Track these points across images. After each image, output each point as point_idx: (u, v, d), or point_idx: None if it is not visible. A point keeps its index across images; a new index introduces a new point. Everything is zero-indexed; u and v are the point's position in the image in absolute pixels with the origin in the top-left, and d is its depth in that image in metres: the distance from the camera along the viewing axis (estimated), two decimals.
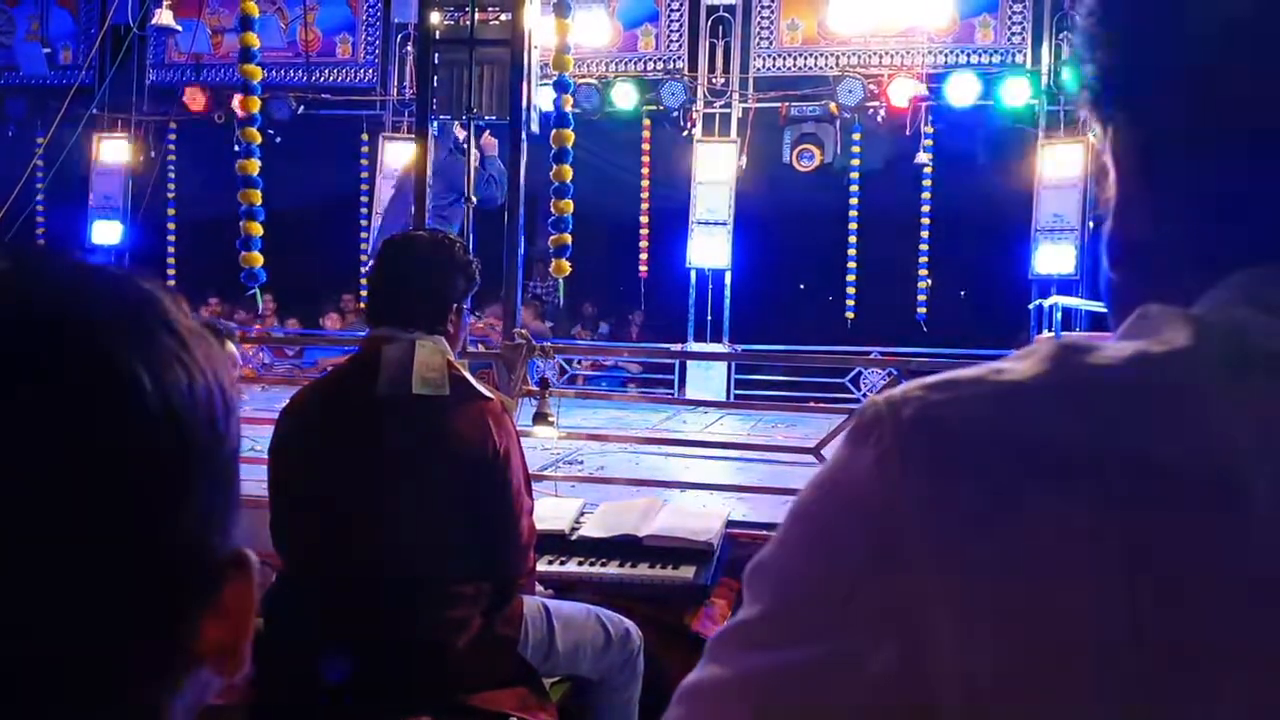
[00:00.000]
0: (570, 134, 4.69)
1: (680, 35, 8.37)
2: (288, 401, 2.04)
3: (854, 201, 8.58)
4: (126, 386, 0.38)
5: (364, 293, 8.08)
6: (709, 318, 8.26)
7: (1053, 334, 6.78)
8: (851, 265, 8.63)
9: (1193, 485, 0.41)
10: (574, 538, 2.73)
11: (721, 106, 8.32)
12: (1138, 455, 0.42)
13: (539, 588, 2.29)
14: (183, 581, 0.41)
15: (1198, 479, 0.41)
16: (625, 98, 8.20)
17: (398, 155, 8.25)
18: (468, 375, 2.02)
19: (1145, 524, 0.41)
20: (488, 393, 2.01)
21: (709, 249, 8.14)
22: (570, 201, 4.66)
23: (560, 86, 4.83)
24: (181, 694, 0.42)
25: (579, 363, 8.81)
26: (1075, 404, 0.44)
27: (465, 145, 5.88)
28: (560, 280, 4.87)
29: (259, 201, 4.94)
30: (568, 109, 4.78)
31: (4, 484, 0.36)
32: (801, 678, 0.45)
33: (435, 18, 4.47)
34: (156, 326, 0.41)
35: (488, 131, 5.59)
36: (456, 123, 5.52)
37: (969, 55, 8.02)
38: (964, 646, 0.42)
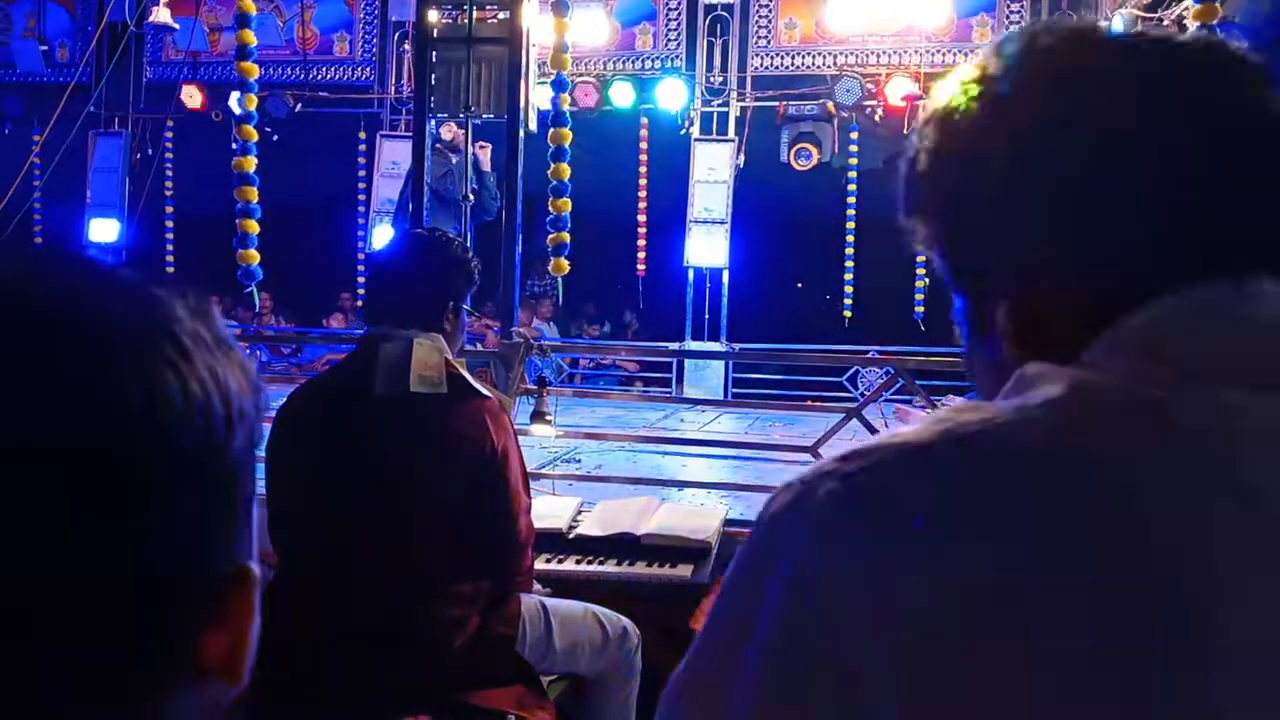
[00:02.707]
0: (568, 133, 4.69)
1: (678, 34, 8.37)
2: (285, 400, 2.03)
3: (851, 200, 8.59)
4: (110, 395, 0.38)
5: (362, 291, 8.08)
6: (707, 316, 8.26)
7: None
8: (849, 264, 8.63)
9: (1063, 528, 0.47)
10: (571, 536, 2.73)
11: (719, 105, 8.32)
12: (1009, 505, 0.48)
13: (536, 586, 2.29)
14: (178, 593, 0.40)
15: (1069, 522, 0.47)
16: (623, 96, 8.20)
17: (395, 153, 8.25)
18: (465, 374, 2.02)
19: (1023, 564, 0.47)
20: (485, 391, 2.01)
21: (707, 248, 8.14)
22: (568, 200, 4.65)
23: (558, 85, 4.82)
24: (185, 706, 0.42)
25: (582, 361, 8.82)
26: (953, 464, 0.50)
27: (454, 143, 5.90)
28: (559, 279, 4.87)
29: (255, 199, 4.93)
30: (565, 107, 4.77)
31: None
32: None
33: (433, 16, 4.47)
34: (154, 335, 0.40)
35: (480, 141, 5.59)
36: (445, 124, 5.53)
37: (966, 54, 8.01)
38: (902, 698, 0.47)
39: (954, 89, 0.62)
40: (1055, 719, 0.46)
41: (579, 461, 4.15)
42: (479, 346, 4.85)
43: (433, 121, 4.76)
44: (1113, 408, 0.50)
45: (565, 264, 4.67)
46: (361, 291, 8.36)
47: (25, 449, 0.36)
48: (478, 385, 2.01)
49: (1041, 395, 0.51)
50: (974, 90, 0.60)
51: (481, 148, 5.96)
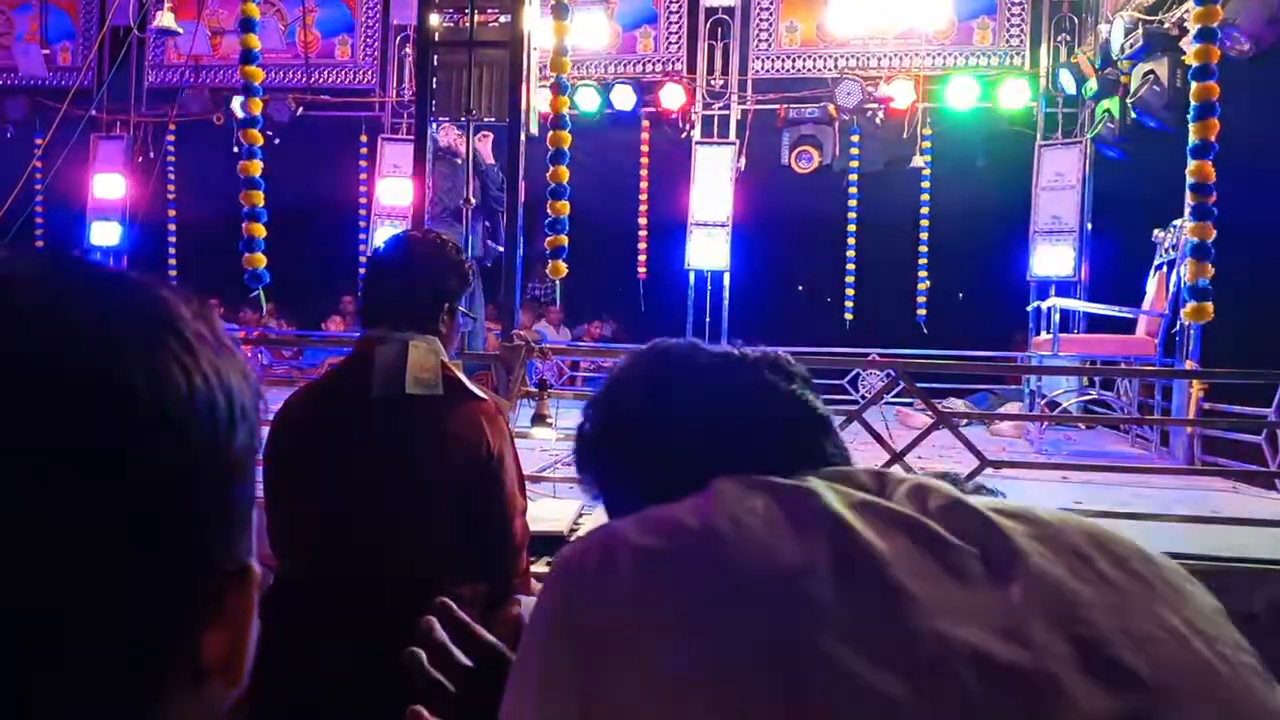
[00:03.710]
0: (567, 135, 4.69)
1: (679, 37, 8.38)
2: (282, 403, 2.03)
3: (853, 203, 8.59)
4: (119, 388, 0.38)
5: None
6: (708, 319, 8.26)
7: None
8: (850, 267, 8.63)
9: (707, 553, 0.71)
10: (572, 539, 2.73)
11: (720, 108, 8.33)
12: (703, 574, 0.70)
13: (537, 587, 2.29)
14: (180, 588, 0.40)
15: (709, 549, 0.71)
16: (624, 99, 8.20)
17: (396, 156, 8.26)
18: (461, 376, 2.02)
19: (656, 607, 0.68)
20: (481, 393, 2.01)
21: (707, 251, 8.15)
22: (567, 203, 4.65)
23: (558, 88, 4.83)
24: (186, 707, 0.42)
25: (583, 364, 8.82)
26: (653, 543, 0.72)
27: (451, 148, 5.91)
28: (558, 282, 4.87)
29: (261, 203, 4.94)
30: (565, 111, 4.77)
31: None
32: None
33: (434, 20, 4.47)
34: (161, 332, 0.40)
35: (481, 131, 5.59)
36: (443, 127, 5.53)
37: (967, 57, 8.03)
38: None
39: (604, 397, 0.98)
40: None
41: None
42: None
43: (434, 125, 4.77)
44: (746, 489, 0.76)
45: (563, 267, 4.67)
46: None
47: (32, 438, 0.36)
48: (473, 387, 2.01)
49: (702, 500, 0.76)
50: (615, 391, 0.97)
51: (482, 139, 5.96)
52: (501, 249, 5.28)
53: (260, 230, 4.90)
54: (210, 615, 0.42)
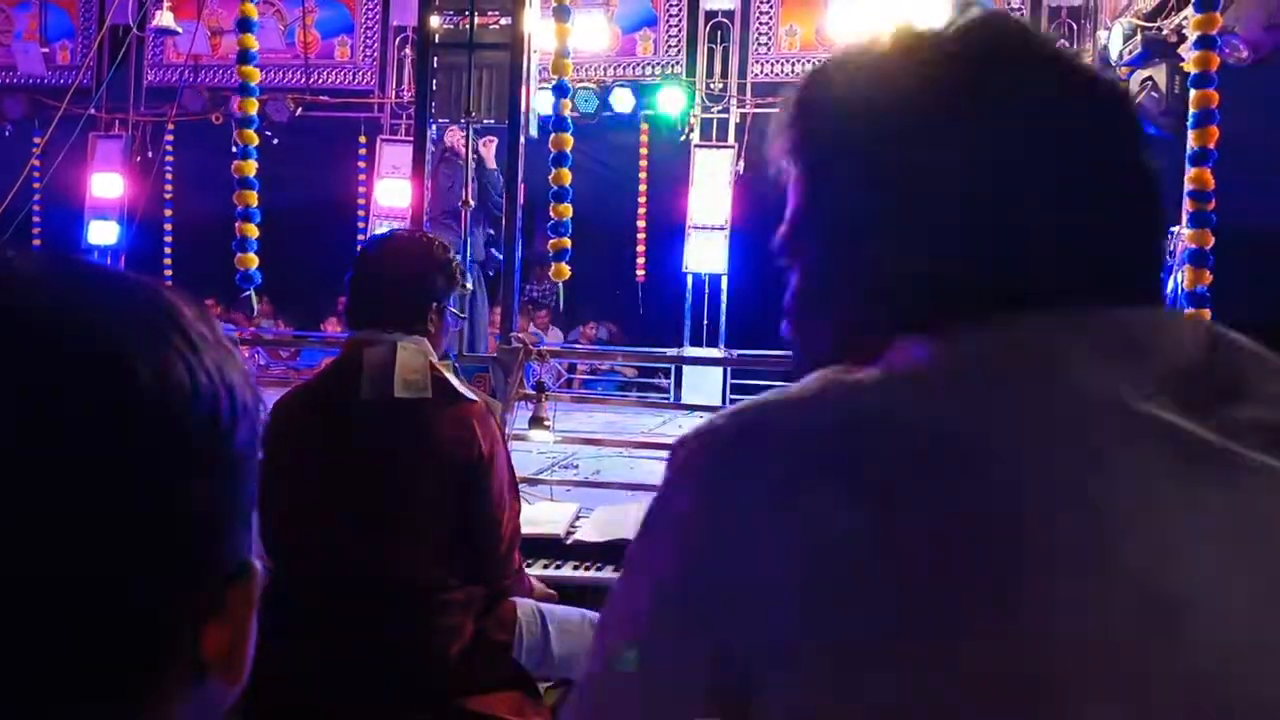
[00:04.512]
0: (569, 138, 4.69)
1: (679, 40, 8.38)
2: (272, 406, 2.02)
3: None
4: (124, 383, 0.38)
5: None
6: (705, 322, 8.26)
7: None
8: None
9: (934, 463, 0.49)
10: (569, 542, 2.72)
11: (719, 111, 8.33)
12: (887, 445, 0.50)
13: (540, 586, 2.28)
14: (182, 585, 0.40)
15: (938, 457, 0.49)
16: (624, 102, 8.21)
17: (396, 158, 8.25)
18: (450, 377, 2.01)
19: (898, 494, 0.48)
20: (471, 394, 2.00)
21: (706, 253, 8.14)
22: (569, 205, 4.65)
23: (559, 91, 4.82)
24: (186, 704, 0.42)
25: (579, 366, 8.82)
26: (837, 407, 0.52)
27: (460, 151, 5.93)
28: (559, 285, 4.87)
29: (255, 203, 4.93)
30: (566, 113, 4.77)
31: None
32: (635, 685, 0.53)
33: (435, 21, 4.47)
34: (165, 328, 0.41)
35: (486, 136, 5.59)
36: (449, 129, 5.53)
37: None
38: (770, 631, 0.49)
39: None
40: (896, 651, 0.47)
41: (577, 467, 4.15)
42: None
43: (433, 126, 4.77)
44: (990, 371, 0.52)
45: (566, 269, 4.67)
46: None
47: (36, 434, 0.37)
48: (463, 388, 2.00)
49: (922, 359, 0.53)
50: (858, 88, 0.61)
51: (486, 144, 5.97)
52: (501, 257, 5.30)
53: (253, 231, 4.89)
54: (211, 612, 0.42)
